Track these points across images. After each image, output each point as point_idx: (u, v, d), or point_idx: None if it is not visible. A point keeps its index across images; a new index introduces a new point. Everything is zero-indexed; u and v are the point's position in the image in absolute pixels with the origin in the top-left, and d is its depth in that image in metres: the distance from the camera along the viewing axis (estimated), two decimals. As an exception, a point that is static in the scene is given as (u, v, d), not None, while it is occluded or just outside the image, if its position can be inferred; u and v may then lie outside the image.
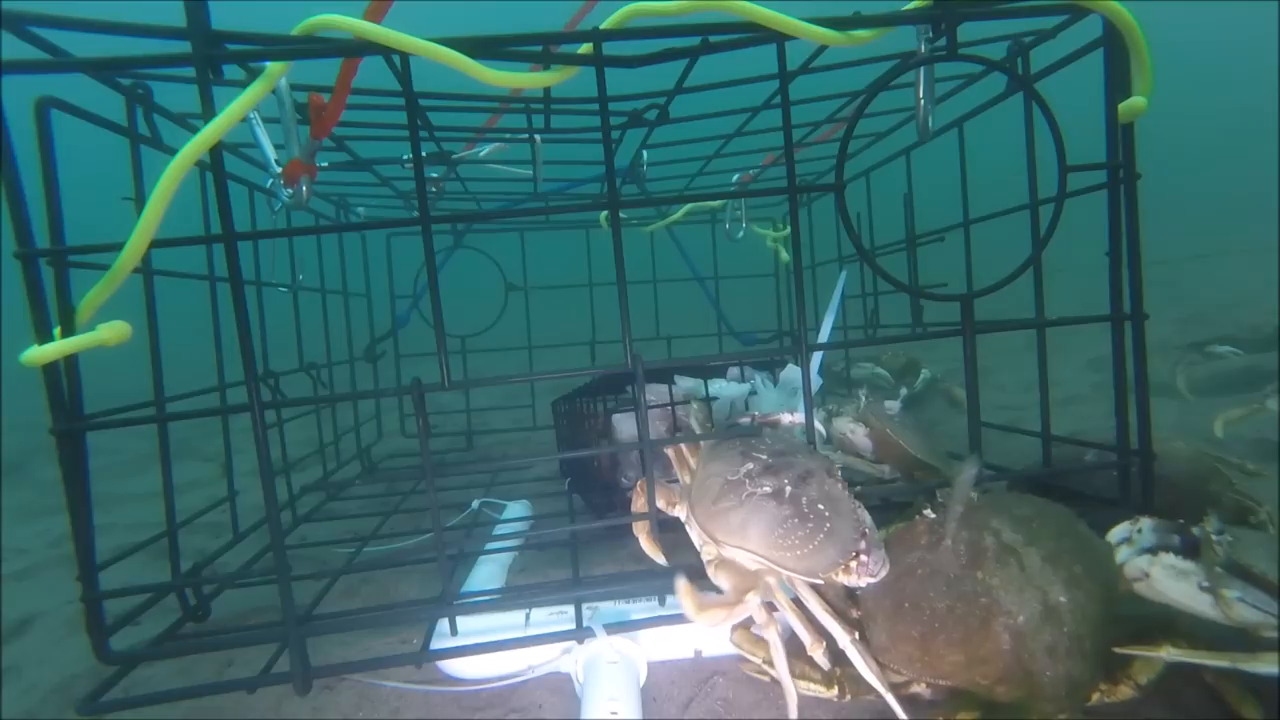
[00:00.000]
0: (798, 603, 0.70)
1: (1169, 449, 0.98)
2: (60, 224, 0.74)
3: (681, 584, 0.65)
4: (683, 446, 0.87)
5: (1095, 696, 0.64)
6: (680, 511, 0.79)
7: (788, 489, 0.71)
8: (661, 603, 0.85)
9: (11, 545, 1.57)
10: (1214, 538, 0.71)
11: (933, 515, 0.71)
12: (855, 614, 0.71)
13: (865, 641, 0.68)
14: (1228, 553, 0.70)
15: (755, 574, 0.70)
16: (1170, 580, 0.66)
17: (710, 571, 0.72)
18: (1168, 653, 0.62)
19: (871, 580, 0.68)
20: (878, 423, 1.15)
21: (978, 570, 0.65)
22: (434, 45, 0.68)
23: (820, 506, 0.70)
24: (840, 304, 1.27)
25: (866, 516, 0.72)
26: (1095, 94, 0.84)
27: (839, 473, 0.75)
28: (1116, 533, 0.77)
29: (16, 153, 0.68)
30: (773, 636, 0.67)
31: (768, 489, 0.71)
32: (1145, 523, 0.75)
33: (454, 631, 0.82)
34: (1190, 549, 0.74)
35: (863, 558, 0.68)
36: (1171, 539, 0.75)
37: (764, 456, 0.75)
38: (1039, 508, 0.73)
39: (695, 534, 0.75)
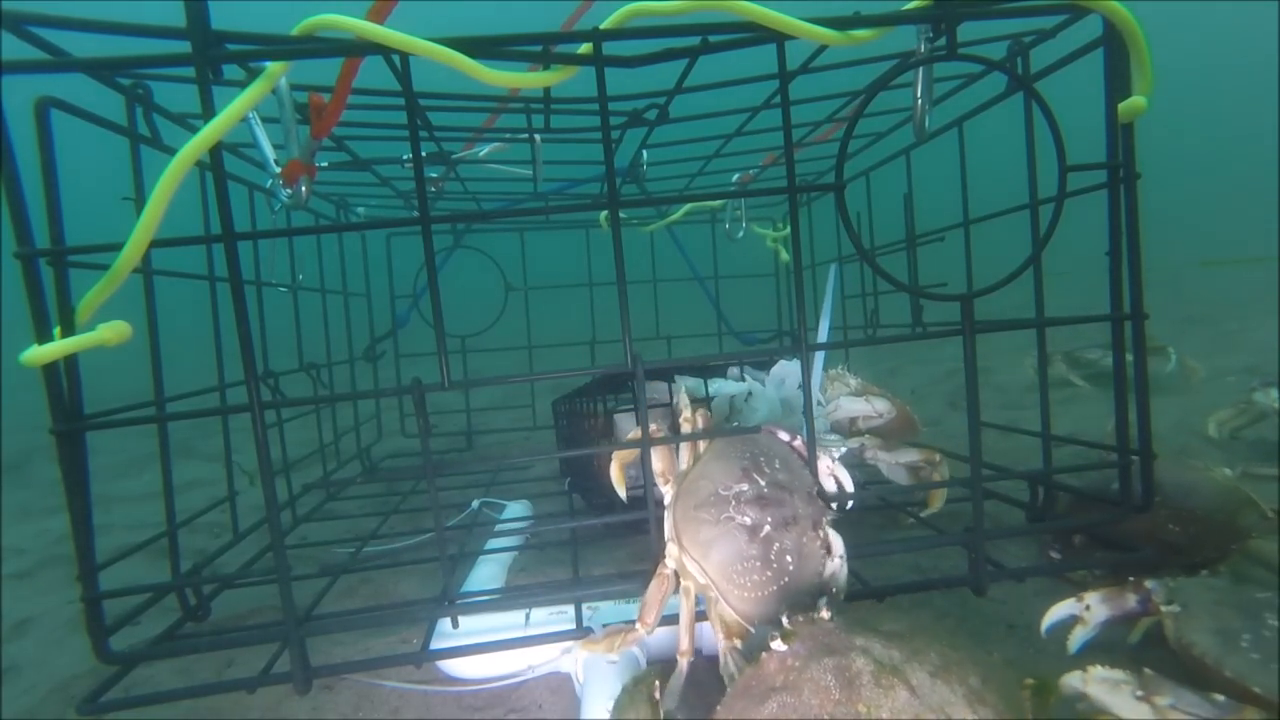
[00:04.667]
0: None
1: (1200, 478, 0.96)
2: (60, 224, 0.74)
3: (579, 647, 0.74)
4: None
5: None
6: (668, 493, 0.79)
7: (766, 529, 0.70)
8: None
9: (11, 545, 1.57)
10: (1163, 609, 0.68)
11: (784, 646, 0.58)
12: None
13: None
14: (1175, 630, 0.66)
15: (701, 586, 0.70)
16: (1108, 694, 0.61)
17: (666, 570, 0.74)
18: None
19: (784, 649, 0.64)
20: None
21: (857, 704, 0.52)
22: (434, 45, 0.68)
23: (787, 559, 0.69)
24: (834, 301, 1.27)
25: (842, 573, 0.72)
26: (1095, 94, 0.84)
27: (826, 525, 0.74)
28: (1060, 610, 0.74)
29: (16, 153, 0.68)
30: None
31: (747, 521, 0.70)
32: (1092, 598, 0.72)
33: (455, 626, 0.82)
34: (1149, 606, 0.71)
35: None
36: (1128, 601, 0.72)
37: (761, 483, 0.74)
38: (911, 622, 0.62)
39: (668, 526, 0.76)
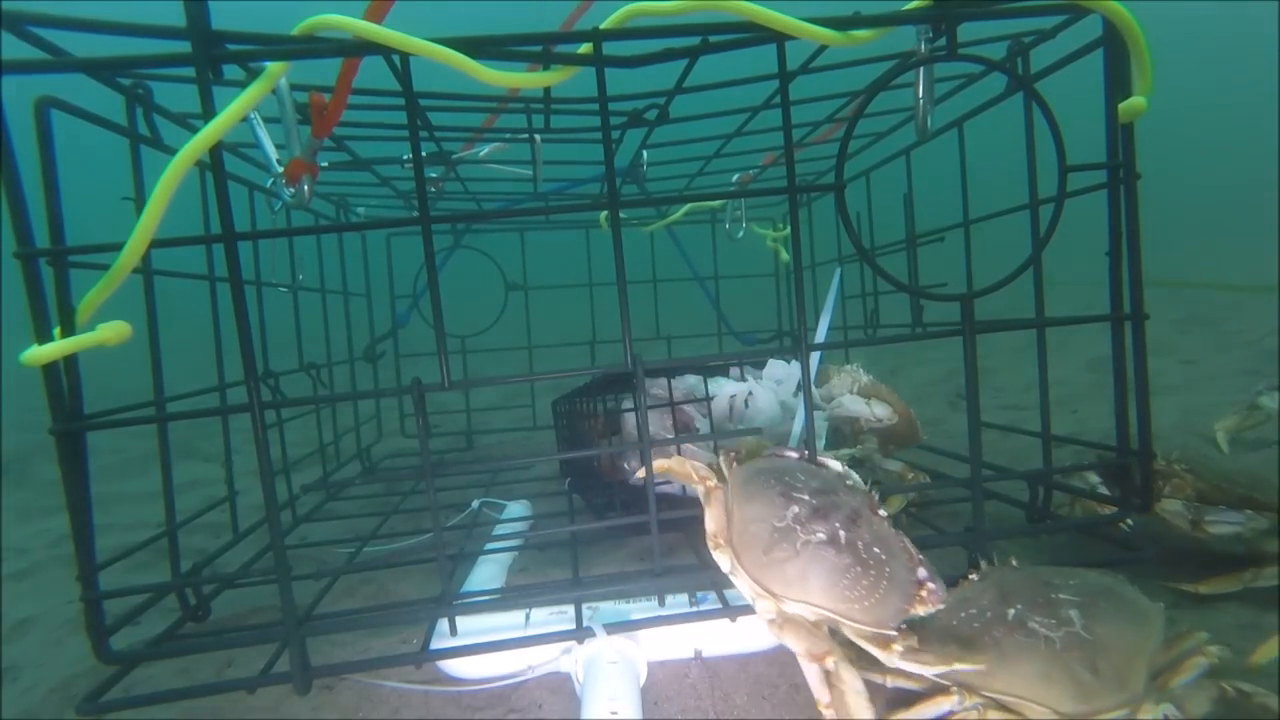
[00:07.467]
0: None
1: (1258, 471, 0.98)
2: (60, 224, 0.74)
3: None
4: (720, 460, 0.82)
5: None
6: (724, 561, 0.71)
7: (842, 534, 0.67)
8: (661, 603, 0.85)
9: (11, 545, 1.56)
10: None
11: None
12: None
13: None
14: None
15: (822, 631, 0.64)
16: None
17: (774, 631, 0.65)
18: None
19: (940, 607, 0.65)
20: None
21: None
22: (434, 45, 0.68)
23: (876, 550, 0.66)
24: (836, 302, 1.27)
25: (911, 546, 0.70)
26: (1095, 94, 0.84)
27: (880, 507, 0.73)
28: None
29: (16, 153, 0.68)
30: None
31: (822, 536, 0.66)
32: None
33: (453, 631, 0.82)
34: None
35: (930, 586, 0.65)
36: None
37: (806, 497, 0.71)
38: None
39: (746, 587, 0.68)
